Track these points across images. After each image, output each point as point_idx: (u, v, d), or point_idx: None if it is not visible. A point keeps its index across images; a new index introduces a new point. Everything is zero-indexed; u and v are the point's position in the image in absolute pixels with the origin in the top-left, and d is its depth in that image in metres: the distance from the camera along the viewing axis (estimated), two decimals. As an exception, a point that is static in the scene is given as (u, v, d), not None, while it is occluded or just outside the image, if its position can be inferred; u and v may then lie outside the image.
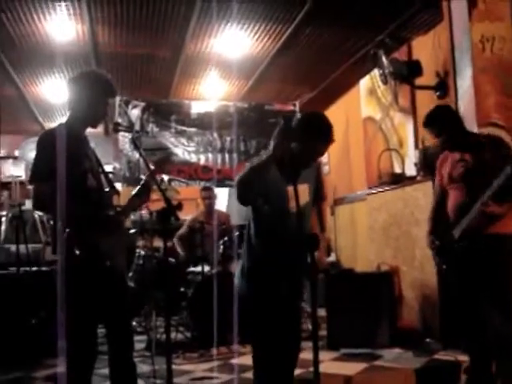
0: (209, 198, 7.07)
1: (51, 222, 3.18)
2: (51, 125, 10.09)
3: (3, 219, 8.78)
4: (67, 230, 2.90)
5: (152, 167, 3.41)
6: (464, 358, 4.35)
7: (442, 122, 3.93)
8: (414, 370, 4.26)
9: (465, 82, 5.48)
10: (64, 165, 2.92)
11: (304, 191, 3.24)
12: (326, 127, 3.20)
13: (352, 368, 4.78)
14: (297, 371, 3.69)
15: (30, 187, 3.12)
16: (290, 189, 2.97)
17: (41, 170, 3.00)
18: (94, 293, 3.03)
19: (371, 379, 4.52)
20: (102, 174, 3.31)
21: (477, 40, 5.36)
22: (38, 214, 8.43)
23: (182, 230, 7.00)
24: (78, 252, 2.92)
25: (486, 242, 3.68)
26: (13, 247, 7.38)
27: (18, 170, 11.10)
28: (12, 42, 6.52)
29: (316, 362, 2.87)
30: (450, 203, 3.95)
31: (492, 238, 3.68)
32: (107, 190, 3.29)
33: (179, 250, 6.88)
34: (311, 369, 2.92)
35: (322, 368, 3.14)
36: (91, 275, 3.00)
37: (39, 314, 5.40)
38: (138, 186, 3.39)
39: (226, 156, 8.23)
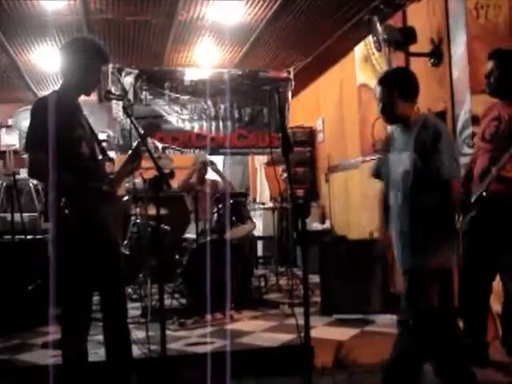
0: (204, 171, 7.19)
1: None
2: (44, 93, 9.99)
3: (-3, 188, 8.79)
4: (63, 199, 2.92)
5: (142, 133, 3.41)
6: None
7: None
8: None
9: (459, 49, 5.45)
10: (57, 132, 2.92)
11: None
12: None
13: (344, 333, 4.84)
14: (289, 336, 3.75)
15: (25, 155, 3.13)
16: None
17: (36, 138, 2.99)
18: (88, 260, 3.06)
19: (363, 344, 4.58)
20: (95, 142, 3.32)
21: (471, 7, 5.32)
22: (33, 182, 8.43)
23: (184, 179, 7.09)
24: (72, 219, 2.94)
25: (498, 208, 3.64)
26: (8, 216, 7.41)
27: (11, 139, 11.06)
28: (3, 9, 6.45)
29: (307, 327, 2.92)
30: (477, 165, 3.84)
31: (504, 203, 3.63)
32: (100, 157, 3.30)
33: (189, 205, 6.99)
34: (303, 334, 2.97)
35: (315, 333, 3.21)
36: (85, 243, 3.02)
37: (35, 281, 5.44)
38: (129, 153, 3.40)
39: (220, 124, 8.20)
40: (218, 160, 10.53)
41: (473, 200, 3.73)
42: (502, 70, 3.74)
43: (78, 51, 3.23)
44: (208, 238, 6.07)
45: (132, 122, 3.42)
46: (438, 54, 6.00)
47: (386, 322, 5.19)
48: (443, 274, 3.25)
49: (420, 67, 6.35)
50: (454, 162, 3.17)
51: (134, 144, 3.46)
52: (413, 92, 3.40)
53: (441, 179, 3.12)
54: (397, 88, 3.34)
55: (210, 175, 7.44)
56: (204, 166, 7.15)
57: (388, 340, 4.62)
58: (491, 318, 4.13)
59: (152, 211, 6.29)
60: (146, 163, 3.87)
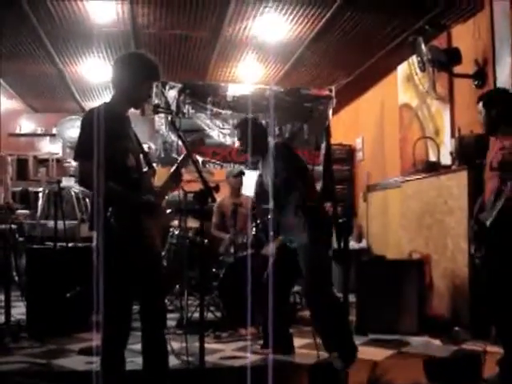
0: (240, 184, 7.24)
1: (87, 200, 3.26)
2: (89, 104, 10.25)
3: (40, 195, 8.97)
4: (110, 208, 2.98)
5: (188, 148, 3.45)
6: (493, 348, 4.35)
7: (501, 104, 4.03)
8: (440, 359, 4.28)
9: (504, 72, 5.42)
10: (106, 143, 2.99)
11: None
12: None
13: (380, 354, 4.81)
14: (323, 354, 3.73)
15: (74, 164, 3.20)
16: None
17: (86, 147, 3.05)
18: (131, 270, 3.11)
19: (399, 365, 4.54)
20: (142, 154, 3.37)
21: (517, 29, 5.30)
22: (74, 191, 8.58)
23: (216, 219, 7.13)
24: (117, 229, 2.99)
25: None
26: (50, 223, 7.54)
27: (55, 148, 11.29)
28: (53, 21, 6.61)
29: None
30: (487, 189, 3.98)
31: None
32: (146, 170, 3.36)
33: (222, 236, 7.02)
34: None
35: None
36: (129, 253, 3.07)
37: (74, 288, 5.52)
38: (173, 168, 3.45)
39: (261, 139, 8.23)
40: (255, 175, 10.57)
41: (488, 223, 3.80)
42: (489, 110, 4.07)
43: (131, 66, 3.29)
44: (245, 253, 6.09)
45: (180, 136, 3.47)
46: (483, 75, 5.97)
47: (421, 344, 5.16)
48: None
49: (464, 88, 6.32)
50: None
51: (179, 159, 3.50)
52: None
53: None
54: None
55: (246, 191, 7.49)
56: (236, 180, 7.22)
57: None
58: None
59: (191, 223, 6.35)
60: (188, 176, 3.92)
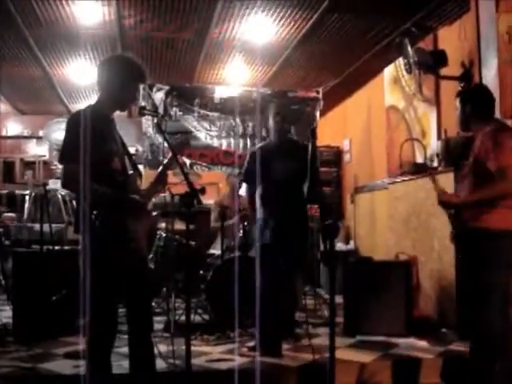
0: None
1: (74, 202, 3.26)
2: (76, 106, 10.21)
3: (27, 198, 8.93)
4: (95, 211, 2.96)
5: (173, 150, 3.45)
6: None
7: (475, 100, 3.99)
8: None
9: (490, 73, 5.44)
10: (91, 146, 2.97)
11: None
12: None
13: (367, 355, 4.81)
14: (310, 356, 3.71)
15: (60, 166, 3.18)
16: None
17: (71, 150, 3.04)
18: (117, 273, 3.09)
19: (386, 367, 4.55)
20: (127, 157, 3.36)
21: (503, 31, 5.32)
22: (61, 193, 8.54)
23: (214, 218, 7.13)
24: (102, 232, 2.98)
25: (471, 235, 3.74)
26: (36, 226, 7.51)
27: (41, 150, 11.25)
28: (39, 23, 6.59)
29: (332, 348, 2.92)
30: None
31: (474, 231, 3.71)
32: (131, 172, 3.34)
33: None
34: (327, 355, 2.97)
35: (338, 354, 3.18)
36: (115, 255, 3.06)
37: (60, 292, 5.49)
38: (159, 170, 3.44)
39: (248, 141, 8.25)
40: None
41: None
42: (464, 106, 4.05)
43: (117, 68, 3.29)
44: (233, 255, 6.08)
45: (165, 138, 3.47)
46: (469, 77, 5.98)
47: (408, 346, 5.16)
48: None
49: (450, 90, 6.33)
50: None
51: (164, 161, 3.50)
52: None
53: None
54: None
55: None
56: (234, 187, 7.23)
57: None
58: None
59: (179, 226, 6.33)
60: (175, 179, 3.91)
